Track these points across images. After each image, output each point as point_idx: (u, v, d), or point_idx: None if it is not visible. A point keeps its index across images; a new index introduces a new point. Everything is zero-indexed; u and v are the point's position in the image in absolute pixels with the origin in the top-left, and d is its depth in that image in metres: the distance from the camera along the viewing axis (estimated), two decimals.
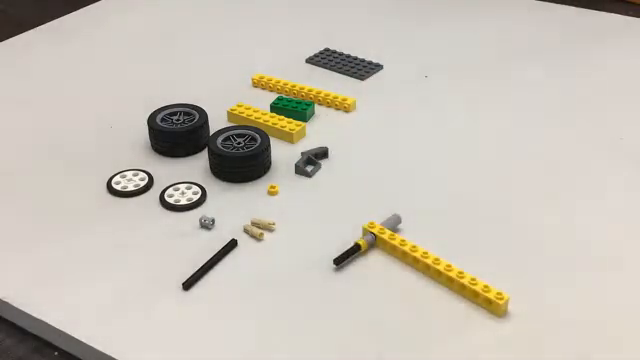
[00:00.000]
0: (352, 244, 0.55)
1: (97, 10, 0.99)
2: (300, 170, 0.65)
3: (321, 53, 0.85)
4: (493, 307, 0.50)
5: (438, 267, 0.53)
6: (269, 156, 0.65)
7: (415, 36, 0.90)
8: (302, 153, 0.66)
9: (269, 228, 0.58)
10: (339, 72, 0.81)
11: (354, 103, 0.75)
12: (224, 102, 0.73)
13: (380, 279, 0.54)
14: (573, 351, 0.48)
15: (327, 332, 0.50)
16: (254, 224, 0.59)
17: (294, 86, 0.76)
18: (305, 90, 0.76)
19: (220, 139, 0.65)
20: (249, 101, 0.74)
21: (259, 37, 0.90)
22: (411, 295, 0.52)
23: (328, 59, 0.84)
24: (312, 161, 0.66)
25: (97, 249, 0.57)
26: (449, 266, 0.53)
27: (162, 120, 0.68)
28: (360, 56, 0.84)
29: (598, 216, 0.59)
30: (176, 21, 0.95)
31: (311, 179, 0.65)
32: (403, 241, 0.55)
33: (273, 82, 0.77)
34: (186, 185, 0.63)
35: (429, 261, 0.53)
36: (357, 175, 0.65)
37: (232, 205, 0.61)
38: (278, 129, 0.69)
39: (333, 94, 0.75)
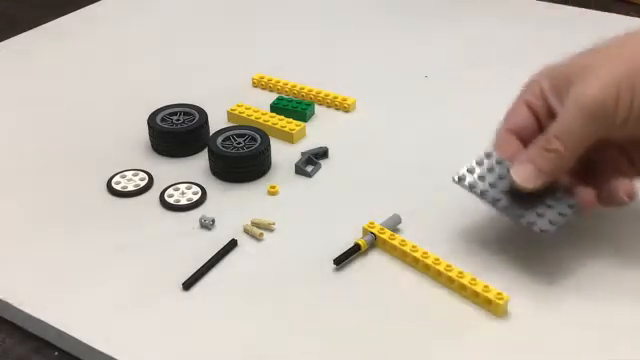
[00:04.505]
0: (352, 244, 0.55)
1: (97, 10, 0.99)
2: (300, 170, 0.65)
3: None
4: (493, 307, 0.50)
5: (438, 267, 0.53)
6: (269, 156, 0.65)
7: (415, 35, 0.90)
8: (302, 153, 0.66)
9: (269, 228, 0.58)
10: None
11: (354, 103, 0.75)
12: (224, 102, 0.73)
13: (380, 279, 0.54)
14: (573, 352, 0.48)
15: (327, 332, 0.50)
16: (254, 224, 0.59)
17: (294, 86, 0.76)
18: (305, 90, 0.76)
19: (220, 139, 0.65)
20: (249, 101, 0.74)
21: (259, 37, 0.90)
22: (411, 295, 0.52)
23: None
24: (312, 161, 0.66)
25: (97, 249, 0.57)
26: (449, 266, 0.53)
27: (162, 120, 0.68)
28: (360, 55, 0.84)
29: (601, 219, 0.59)
30: (176, 21, 0.95)
31: (311, 179, 0.65)
32: (403, 241, 0.55)
33: (273, 82, 0.77)
34: (186, 185, 0.63)
35: (429, 261, 0.53)
36: (357, 175, 0.65)
37: (232, 205, 0.61)
38: (278, 129, 0.69)
39: (333, 94, 0.75)
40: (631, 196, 0.51)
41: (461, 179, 0.53)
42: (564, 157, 0.50)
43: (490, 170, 0.53)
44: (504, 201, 0.52)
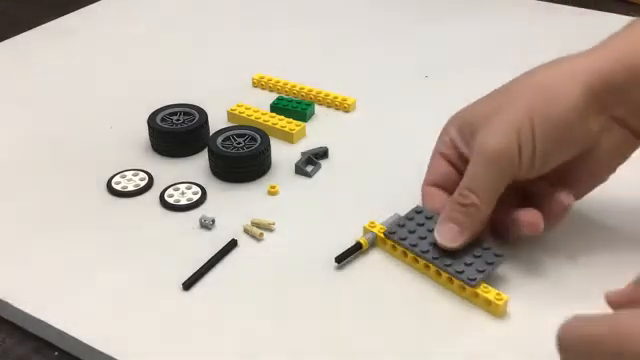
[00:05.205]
0: (352, 244, 0.55)
1: (97, 10, 0.99)
2: (300, 170, 0.65)
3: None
4: (492, 308, 0.50)
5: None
6: (269, 156, 0.65)
7: (415, 35, 0.90)
8: (302, 153, 0.66)
9: (269, 228, 0.58)
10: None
11: (354, 103, 0.75)
12: (224, 102, 0.73)
13: (380, 279, 0.54)
14: None
15: (327, 332, 0.50)
16: (254, 224, 0.59)
17: (294, 86, 0.76)
18: (305, 90, 0.76)
19: (220, 139, 0.65)
20: (249, 101, 0.74)
21: (259, 37, 0.90)
22: (411, 295, 0.52)
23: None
24: (312, 161, 0.66)
25: (97, 249, 0.57)
26: None
27: (162, 120, 0.68)
28: (360, 55, 0.84)
29: (599, 218, 0.59)
30: (176, 21, 0.95)
31: (311, 179, 0.65)
32: None
33: (273, 82, 0.77)
34: (186, 185, 0.63)
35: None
36: (357, 175, 0.65)
37: (232, 205, 0.61)
38: (278, 129, 0.69)
39: (333, 94, 0.75)
40: (531, 227, 0.51)
41: (391, 233, 0.55)
42: (481, 209, 0.51)
43: (420, 225, 0.54)
44: (433, 252, 0.53)
